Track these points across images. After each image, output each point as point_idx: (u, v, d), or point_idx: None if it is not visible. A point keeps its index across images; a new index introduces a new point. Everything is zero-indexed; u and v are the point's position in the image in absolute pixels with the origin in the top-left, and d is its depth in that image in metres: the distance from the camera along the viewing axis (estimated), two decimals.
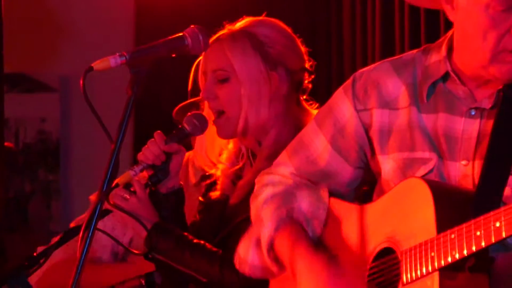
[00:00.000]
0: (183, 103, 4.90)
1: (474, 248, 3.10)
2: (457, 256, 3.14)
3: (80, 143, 8.06)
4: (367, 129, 3.71)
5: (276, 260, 3.71)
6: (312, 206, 3.79)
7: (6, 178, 6.40)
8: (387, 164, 3.64)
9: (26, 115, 8.22)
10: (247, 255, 3.83)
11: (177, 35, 3.52)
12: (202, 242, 4.23)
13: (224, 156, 4.45)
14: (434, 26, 6.54)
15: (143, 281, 3.85)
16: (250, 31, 4.31)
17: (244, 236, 3.86)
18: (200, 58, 4.64)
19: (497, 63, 3.40)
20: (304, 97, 4.45)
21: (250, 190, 4.10)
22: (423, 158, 3.55)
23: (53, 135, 8.24)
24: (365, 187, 3.91)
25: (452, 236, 3.17)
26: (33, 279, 3.84)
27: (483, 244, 3.08)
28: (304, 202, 3.77)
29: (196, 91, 4.80)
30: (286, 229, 3.66)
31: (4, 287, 3.88)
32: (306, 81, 4.44)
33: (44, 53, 8.02)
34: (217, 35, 4.32)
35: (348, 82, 3.77)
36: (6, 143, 6.30)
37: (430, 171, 3.44)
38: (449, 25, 4.02)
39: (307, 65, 4.42)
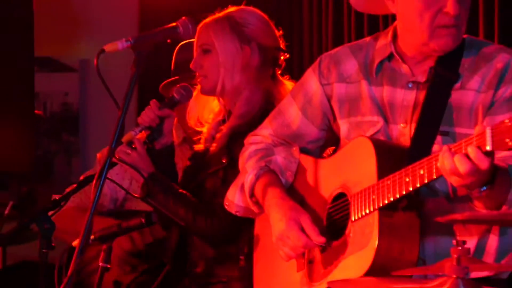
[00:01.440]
0: (167, 80, 4.91)
1: (404, 192, 3.20)
2: (391, 198, 3.24)
3: (95, 112, 8.07)
4: (329, 99, 3.81)
5: (257, 202, 3.85)
6: (285, 160, 3.90)
7: (36, 140, 6.36)
8: (344, 126, 3.73)
9: (52, 91, 8.19)
10: (234, 198, 3.98)
11: (171, 24, 3.55)
12: (184, 192, 4.32)
13: (210, 116, 4.44)
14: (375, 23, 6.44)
15: (143, 220, 3.82)
16: (230, 15, 4.41)
17: (232, 183, 4.02)
18: (182, 43, 5.02)
19: (434, 38, 3.48)
20: (279, 72, 4.53)
21: (225, 141, 4.36)
22: (372, 121, 3.62)
23: (74, 106, 8.22)
24: (333, 147, 3.95)
25: (388, 182, 3.26)
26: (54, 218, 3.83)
27: (410, 188, 3.19)
28: (279, 157, 3.89)
29: (177, 70, 4.86)
30: (265, 177, 3.80)
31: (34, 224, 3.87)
32: (281, 58, 4.54)
33: (66, 40, 7.97)
34: (206, 20, 4.46)
35: (316, 62, 3.89)
36: (36, 111, 6.26)
37: (378, 131, 3.53)
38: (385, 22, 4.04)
39: (281, 45, 4.51)
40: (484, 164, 2.97)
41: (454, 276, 2.75)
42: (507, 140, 2.79)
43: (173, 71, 4.90)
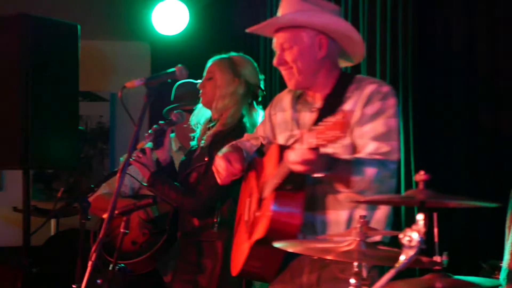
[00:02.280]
0: (168, 107, 4.92)
1: (283, 178, 3.23)
2: (279, 182, 3.26)
3: (120, 128, 8.07)
4: (273, 123, 3.77)
5: None
6: (250, 144, 3.89)
7: (80, 146, 6.35)
8: (280, 138, 3.67)
9: (91, 114, 8.15)
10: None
11: (170, 69, 3.54)
12: (176, 183, 4.30)
13: (204, 120, 4.54)
14: None
15: (151, 200, 3.83)
16: (231, 57, 4.40)
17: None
18: (179, 82, 5.01)
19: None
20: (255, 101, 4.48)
21: (208, 143, 4.30)
22: (294, 134, 3.56)
23: (106, 124, 8.20)
24: None
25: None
26: (90, 199, 3.86)
27: (284, 175, 3.21)
28: (248, 144, 3.87)
29: (176, 100, 4.93)
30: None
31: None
32: (259, 94, 4.47)
33: (101, 79, 7.99)
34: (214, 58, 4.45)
35: (272, 100, 3.84)
36: (80, 127, 6.26)
37: (297, 140, 3.36)
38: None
39: (261, 85, 4.45)
40: (310, 155, 2.97)
41: (358, 239, 2.75)
42: (324, 139, 2.82)
43: (172, 101, 4.91)
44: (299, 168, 3.05)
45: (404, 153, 4.95)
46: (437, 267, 3.08)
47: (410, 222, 2.25)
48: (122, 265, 3.68)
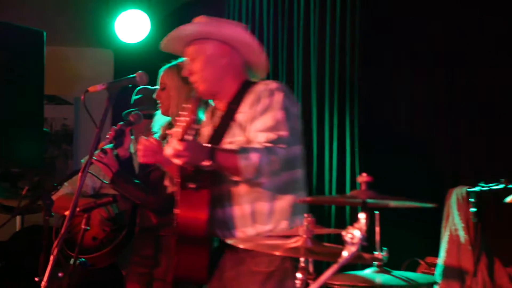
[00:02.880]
0: (128, 110, 4.82)
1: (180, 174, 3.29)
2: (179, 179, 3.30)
3: (83, 130, 7.97)
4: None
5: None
6: None
7: (45, 147, 6.27)
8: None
9: (56, 116, 8.07)
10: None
11: (131, 75, 3.52)
12: (138, 181, 4.25)
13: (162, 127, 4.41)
14: None
15: (111, 199, 3.80)
16: (178, 64, 4.19)
17: None
18: (138, 87, 4.90)
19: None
20: None
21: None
22: None
23: (70, 126, 8.11)
24: None
25: None
26: (53, 198, 3.80)
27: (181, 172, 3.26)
28: None
29: (135, 104, 4.87)
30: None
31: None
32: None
33: (66, 84, 7.89)
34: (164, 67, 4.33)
35: None
36: (45, 129, 6.18)
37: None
38: None
39: None
40: (179, 146, 3.06)
41: (305, 236, 2.76)
42: (182, 127, 3.06)
43: (132, 104, 4.87)
44: (176, 161, 3.13)
45: (350, 156, 5.00)
46: (377, 263, 3.12)
47: (355, 221, 2.27)
48: (83, 259, 3.64)
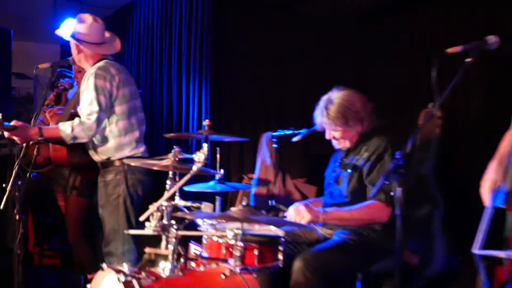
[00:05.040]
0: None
1: None
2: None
3: (39, 95, 6.92)
4: None
5: None
6: None
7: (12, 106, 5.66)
8: None
9: (21, 86, 7.15)
10: None
11: (67, 58, 3.30)
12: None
13: None
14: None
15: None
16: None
17: None
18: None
19: None
20: None
21: None
22: None
23: (31, 93, 7.38)
24: None
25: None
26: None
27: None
28: None
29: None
30: None
31: None
32: None
33: (28, 65, 7.15)
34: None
35: None
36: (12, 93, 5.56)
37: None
38: None
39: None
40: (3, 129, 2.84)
41: (173, 158, 2.66)
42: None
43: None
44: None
45: (204, 108, 4.59)
46: (218, 177, 3.02)
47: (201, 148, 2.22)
48: (36, 173, 3.40)
